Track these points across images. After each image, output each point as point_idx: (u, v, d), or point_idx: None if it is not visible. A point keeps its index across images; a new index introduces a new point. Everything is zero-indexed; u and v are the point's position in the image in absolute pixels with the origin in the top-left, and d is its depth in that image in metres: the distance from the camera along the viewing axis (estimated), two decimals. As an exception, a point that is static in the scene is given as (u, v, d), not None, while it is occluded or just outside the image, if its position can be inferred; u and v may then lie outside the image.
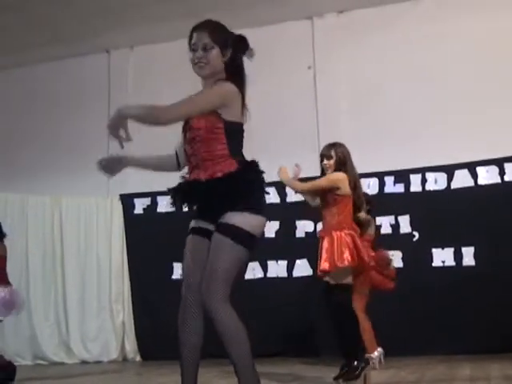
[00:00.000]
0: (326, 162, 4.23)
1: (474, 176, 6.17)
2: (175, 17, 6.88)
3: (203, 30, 2.46)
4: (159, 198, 7.11)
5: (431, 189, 6.30)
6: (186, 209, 2.50)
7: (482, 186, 6.14)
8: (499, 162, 6.11)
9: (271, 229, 6.54)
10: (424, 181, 6.33)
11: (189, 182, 2.46)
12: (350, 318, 4.00)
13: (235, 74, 2.48)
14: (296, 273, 6.58)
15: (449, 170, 6.26)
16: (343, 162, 4.20)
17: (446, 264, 6.09)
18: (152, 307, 6.89)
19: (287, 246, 6.58)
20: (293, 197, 6.27)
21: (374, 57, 6.94)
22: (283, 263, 6.64)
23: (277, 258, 6.65)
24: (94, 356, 6.97)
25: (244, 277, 6.05)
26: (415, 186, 6.36)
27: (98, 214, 7.33)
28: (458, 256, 6.06)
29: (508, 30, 6.46)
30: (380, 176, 6.46)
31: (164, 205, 6.99)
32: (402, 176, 6.41)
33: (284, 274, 6.63)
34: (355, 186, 4.20)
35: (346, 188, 4.13)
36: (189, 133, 2.46)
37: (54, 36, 7.55)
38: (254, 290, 6.26)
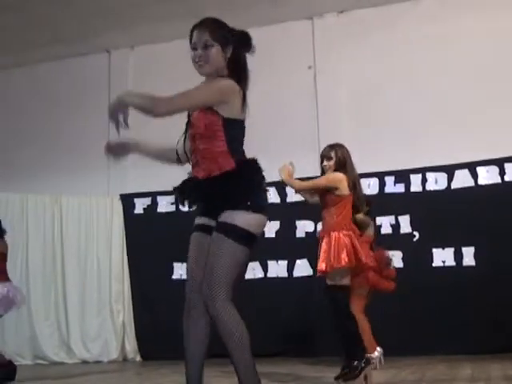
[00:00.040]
0: (326, 163, 4.24)
1: (475, 176, 6.18)
2: (175, 17, 6.89)
3: (203, 28, 2.45)
4: (159, 198, 7.08)
5: (431, 189, 6.31)
6: (187, 207, 2.50)
7: (482, 186, 6.15)
8: (499, 162, 6.12)
9: (271, 229, 6.54)
10: (424, 181, 6.34)
11: (189, 180, 2.46)
12: (348, 319, 3.99)
13: (237, 70, 2.46)
14: (296, 273, 6.58)
15: (449, 170, 6.26)
16: (343, 163, 4.20)
17: (447, 264, 6.09)
18: (152, 307, 6.90)
19: (287, 246, 6.58)
20: (293, 197, 6.26)
21: (374, 57, 6.94)
22: (283, 263, 6.64)
23: (277, 258, 6.65)
24: (94, 356, 6.98)
25: (244, 276, 6.04)
26: (415, 186, 6.36)
27: (98, 213, 7.32)
28: (459, 256, 6.07)
29: (508, 30, 6.46)
30: (380, 176, 6.46)
31: (164, 205, 7.01)
32: (402, 176, 6.41)
33: (284, 274, 6.64)
34: (355, 186, 4.20)
35: (344, 189, 4.13)
36: (190, 129, 2.46)
37: (54, 36, 7.56)
38: (254, 289, 6.26)
